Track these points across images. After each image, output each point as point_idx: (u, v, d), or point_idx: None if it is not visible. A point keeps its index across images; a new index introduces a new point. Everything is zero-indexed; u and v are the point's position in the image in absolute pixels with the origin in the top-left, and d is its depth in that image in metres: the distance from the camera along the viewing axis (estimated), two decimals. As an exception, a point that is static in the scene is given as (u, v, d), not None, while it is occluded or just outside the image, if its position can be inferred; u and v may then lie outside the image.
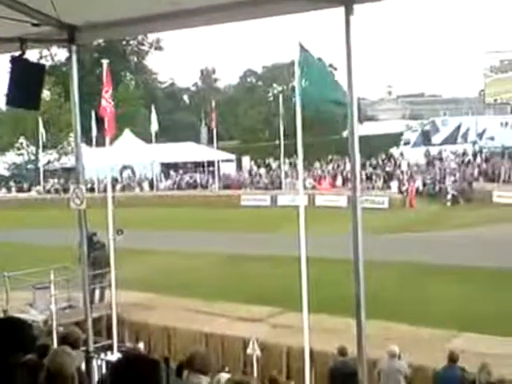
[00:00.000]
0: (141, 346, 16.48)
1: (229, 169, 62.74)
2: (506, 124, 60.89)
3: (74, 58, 8.94)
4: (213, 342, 16.58)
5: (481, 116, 67.02)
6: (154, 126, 58.19)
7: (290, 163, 58.22)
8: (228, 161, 63.53)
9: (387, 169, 56.50)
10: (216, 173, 58.57)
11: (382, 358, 12.56)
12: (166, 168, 62.44)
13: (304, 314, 12.81)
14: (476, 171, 52.90)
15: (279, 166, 58.15)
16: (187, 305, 20.16)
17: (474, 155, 57.48)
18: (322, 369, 13.86)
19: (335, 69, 77.61)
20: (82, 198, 9.51)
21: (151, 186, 60.41)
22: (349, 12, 6.59)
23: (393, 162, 58.83)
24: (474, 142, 59.89)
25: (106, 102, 17.14)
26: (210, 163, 60.05)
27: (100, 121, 26.49)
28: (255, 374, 14.26)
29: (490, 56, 62.15)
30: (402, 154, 60.28)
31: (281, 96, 60.85)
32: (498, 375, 11.83)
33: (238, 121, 79.80)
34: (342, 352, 12.47)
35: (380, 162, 58.63)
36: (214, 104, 60.35)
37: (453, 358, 11.86)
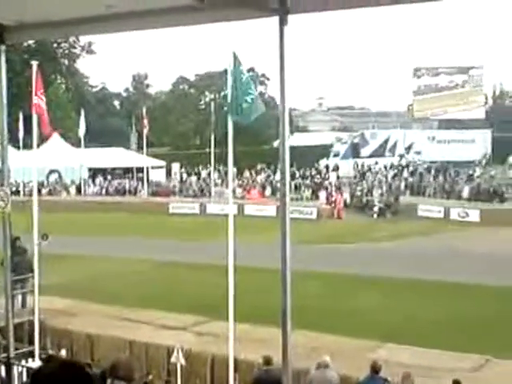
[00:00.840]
0: (63, 352, 16.19)
1: (158, 176, 62.30)
2: (433, 138, 62.17)
3: (3, 58, 8.75)
4: (137, 350, 16.40)
5: (409, 130, 68.32)
6: (83, 131, 57.45)
7: (220, 172, 58.23)
8: (158, 167, 63.11)
9: (316, 180, 57.03)
10: (145, 179, 58.11)
11: (311, 368, 12.62)
12: (94, 173, 61.60)
13: (230, 323, 12.79)
14: (403, 185, 53.86)
15: (209, 175, 58.08)
16: (112, 312, 19.90)
17: (402, 169, 58.53)
18: (246, 378, 13.86)
19: (268, 79, 78.14)
20: (7, 201, 9.29)
21: (78, 190, 59.46)
22: (283, 22, 6.60)
23: (322, 173, 59.42)
24: (402, 156, 60.97)
25: (40, 100, 16.88)
26: (140, 169, 59.55)
27: (28, 123, 26.03)
28: (179, 382, 14.15)
29: (419, 73, 63.42)
30: (330, 166, 60.92)
31: (213, 104, 60.87)
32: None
33: (169, 128, 79.40)
34: (267, 361, 12.47)
35: (309, 173, 59.15)
36: (145, 110, 59.95)
37: (375, 368, 11.99)
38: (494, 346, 15.79)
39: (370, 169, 59.30)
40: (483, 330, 19.52)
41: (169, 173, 64.21)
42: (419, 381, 12.07)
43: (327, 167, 60.75)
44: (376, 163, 60.05)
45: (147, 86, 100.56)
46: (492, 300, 23.24)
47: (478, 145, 60.12)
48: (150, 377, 13.97)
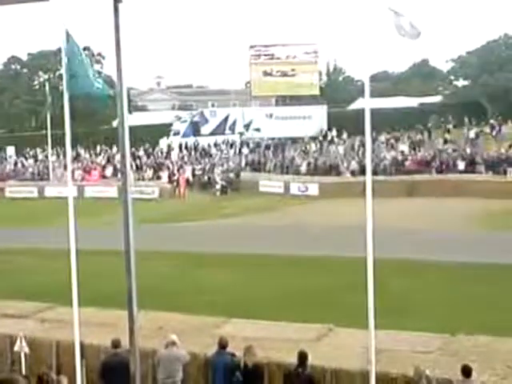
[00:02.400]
0: None
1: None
2: (271, 115, 63.26)
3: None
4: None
5: (247, 108, 69.18)
6: None
7: (58, 154, 56.73)
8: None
9: (157, 159, 56.80)
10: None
11: (160, 348, 12.61)
12: None
13: (74, 308, 12.53)
14: (243, 161, 54.63)
15: (47, 157, 56.44)
16: None
17: (241, 146, 59.30)
18: (94, 362, 13.66)
19: (103, 57, 76.53)
20: None
21: None
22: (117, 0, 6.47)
23: (163, 152, 59.24)
24: (242, 133, 61.72)
25: None
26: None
27: None
28: (23, 371, 13.75)
29: (256, 50, 64.20)
30: (171, 145, 60.81)
31: (47, 84, 58.99)
32: (265, 357, 12.33)
33: (2, 109, 76.30)
34: (116, 344, 12.37)
35: (150, 153, 58.83)
36: (-25, 92, 57.43)
37: (222, 344, 12.17)
38: (335, 315, 16.37)
39: (210, 147, 59.69)
40: (325, 300, 20.22)
41: (3, 156, 61.88)
42: (263, 352, 12.35)
43: (169, 145, 60.63)
44: (214, 141, 60.51)
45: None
46: (334, 270, 24.07)
47: (314, 121, 61.75)
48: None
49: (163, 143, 61.64)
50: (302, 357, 11.32)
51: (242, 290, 21.96)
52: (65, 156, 47.92)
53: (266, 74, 63.93)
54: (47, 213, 36.44)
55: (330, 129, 61.02)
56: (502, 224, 31.40)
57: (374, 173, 37.41)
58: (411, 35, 10.74)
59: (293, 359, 11.61)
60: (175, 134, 62.65)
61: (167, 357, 12.32)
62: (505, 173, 44.05)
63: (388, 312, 14.75)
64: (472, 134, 53.71)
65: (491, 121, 57.23)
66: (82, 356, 12.99)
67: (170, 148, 60.09)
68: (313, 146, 57.20)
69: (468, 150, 48.84)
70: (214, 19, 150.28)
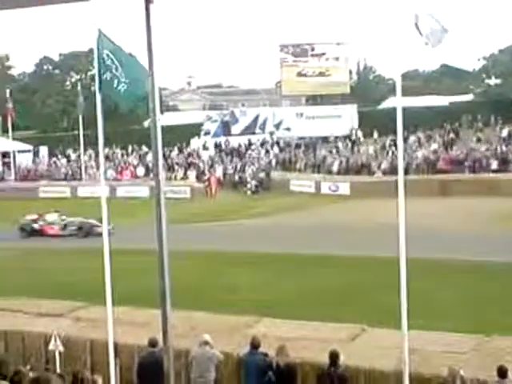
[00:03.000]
0: None
1: (25, 160, 60.49)
2: (302, 115, 63.12)
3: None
4: (13, 340, 15.94)
5: (277, 107, 69.12)
6: None
7: (91, 154, 57.16)
8: (25, 151, 61.22)
9: (189, 159, 57.00)
10: (12, 164, 56.30)
11: (193, 347, 12.67)
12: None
13: (108, 307, 12.63)
14: (274, 161, 54.64)
15: (79, 157, 56.89)
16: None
17: (272, 145, 59.29)
18: (128, 361, 13.76)
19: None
20: None
21: None
22: (148, 0, 6.51)
23: (194, 152, 59.43)
24: (272, 133, 61.68)
25: None
26: (6, 154, 57.65)
27: None
28: (58, 369, 13.87)
29: (286, 49, 64.14)
30: (203, 144, 60.98)
31: (79, 84, 59.48)
32: (298, 357, 12.33)
33: (34, 110, 76.95)
34: (153, 343, 12.45)
35: (181, 152, 59.07)
36: (8, 92, 57.97)
37: (254, 344, 12.18)
38: (368, 315, 16.32)
39: (240, 146, 59.75)
40: (358, 300, 20.18)
41: (36, 156, 62.46)
42: (295, 352, 12.35)
43: (201, 145, 60.83)
44: (245, 140, 60.57)
45: (9, 67, 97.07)
46: (365, 269, 23.99)
47: (344, 120, 61.51)
48: (28, 367, 13.63)
49: (194, 143, 61.81)
50: (334, 356, 11.30)
51: (273, 289, 21.99)
52: (97, 156, 48.38)
53: (296, 73, 63.84)
54: (79, 212, 36.67)
55: (360, 128, 60.77)
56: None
57: (406, 172, 37.39)
58: (433, 43, 10.66)
59: (326, 359, 11.59)
60: (206, 134, 62.79)
61: (200, 356, 12.37)
62: (538, 171, 43.58)
63: (419, 312, 14.67)
64: (505, 133, 53.17)
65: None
66: (116, 355, 13.09)
67: (201, 148, 60.23)
68: (343, 146, 57.02)
69: (501, 149, 48.36)
70: (243, 19, 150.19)
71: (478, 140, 52.19)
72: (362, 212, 36.57)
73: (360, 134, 59.71)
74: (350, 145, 57.05)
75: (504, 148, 48.57)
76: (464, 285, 21.54)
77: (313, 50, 63.86)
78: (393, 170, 40.90)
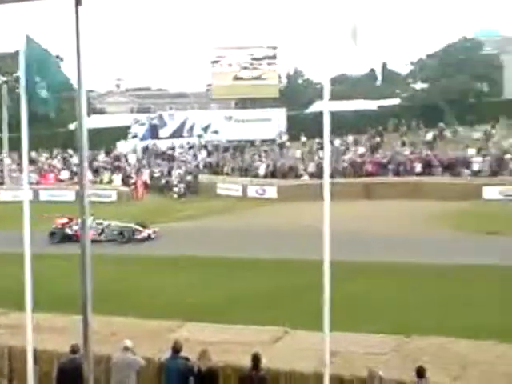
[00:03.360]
0: None
1: None
2: (230, 118, 63.18)
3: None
4: None
5: (206, 110, 69.01)
6: None
7: (13, 157, 55.95)
8: None
9: (115, 162, 56.41)
10: None
11: (114, 353, 12.49)
12: None
13: (28, 313, 12.35)
14: (202, 164, 54.53)
15: (1, 160, 55.63)
16: None
17: (200, 149, 59.15)
18: (47, 368, 13.50)
19: (62, 60, 75.75)
20: None
21: None
22: (78, 2, 6.43)
23: (121, 155, 58.83)
24: (200, 136, 61.55)
25: None
26: None
27: None
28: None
29: (216, 53, 64.15)
30: (129, 148, 60.43)
31: (5, 86, 58.30)
32: (220, 361, 12.28)
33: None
34: (74, 349, 12.22)
35: (108, 156, 58.41)
36: None
37: (176, 348, 12.07)
38: (292, 318, 16.38)
39: (168, 149, 59.41)
40: (282, 302, 20.25)
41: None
42: (218, 356, 12.30)
43: (127, 148, 60.25)
44: (172, 144, 60.28)
45: None
46: (292, 272, 24.10)
47: (273, 123, 61.78)
48: None
49: (121, 146, 61.20)
50: (256, 359, 11.30)
51: (199, 293, 21.89)
52: (20, 159, 47.40)
53: (225, 76, 63.93)
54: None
55: (289, 131, 61.12)
56: (457, 225, 31.74)
57: (333, 175, 37.75)
58: (361, 47, 10.78)
59: (248, 362, 11.58)
60: (133, 137, 62.26)
61: (120, 362, 12.21)
62: (460, 175, 44.62)
63: (343, 314, 14.82)
64: (429, 137, 54.27)
65: (448, 123, 57.86)
66: (35, 362, 12.81)
67: (128, 151, 59.66)
68: (271, 149, 57.29)
69: (425, 153, 49.32)
70: (173, 22, 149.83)
71: (403, 144, 53.08)
72: (288, 215, 36.78)
73: (288, 137, 60.06)
74: (277, 148, 57.36)
75: (428, 152, 49.54)
76: (388, 287, 21.83)
77: (242, 53, 64.05)
78: (319, 174, 41.15)
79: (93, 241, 30.54)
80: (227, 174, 51.84)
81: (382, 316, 18.32)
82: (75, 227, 32.43)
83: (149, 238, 32.27)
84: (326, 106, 11.29)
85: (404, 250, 26.88)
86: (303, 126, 57.06)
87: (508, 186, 39.97)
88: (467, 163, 45.74)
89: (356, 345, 13.06)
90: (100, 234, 32.54)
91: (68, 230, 33.18)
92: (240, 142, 59.82)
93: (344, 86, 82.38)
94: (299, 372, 12.05)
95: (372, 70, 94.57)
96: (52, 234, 33.50)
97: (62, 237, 33.13)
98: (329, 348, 11.15)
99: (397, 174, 46.55)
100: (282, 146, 58.05)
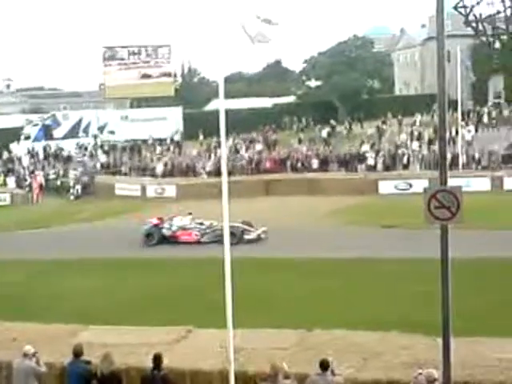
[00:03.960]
0: None
1: None
2: (126, 117, 62.56)
3: None
4: None
5: (102, 110, 68.06)
6: None
7: None
8: None
9: (8, 165, 54.95)
10: None
11: (15, 359, 12.17)
12: None
13: None
14: (98, 165, 53.76)
15: None
16: None
17: (96, 149, 58.30)
18: None
19: None
20: None
21: None
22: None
23: (14, 157, 57.33)
24: (96, 136, 60.69)
25: None
26: None
27: None
28: None
29: (109, 52, 63.34)
30: (23, 149, 58.90)
31: None
32: (123, 363, 12.16)
33: None
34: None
35: (0, 158, 56.88)
36: None
37: (76, 352, 11.80)
38: (196, 317, 16.38)
39: (63, 150, 58.26)
40: (187, 301, 20.19)
41: None
42: (121, 359, 12.17)
43: (20, 150, 58.72)
44: (67, 144, 59.18)
45: None
46: (193, 271, 24.06)
47: (169, 122, 61.53)
48: None
49: (14, 148, 59.58)
50: (156, 359, 11.24)
51: (101, 295, 21.56)
52: None
53: (120, 75, 63.24)
54: None
55: (186, 130, 61.01)
56: (353, 220, 32.38)
57: (231, 173, 37.96)
58: (258, 44, 10.87)
59: (151, 363, 11.50)
60: (26, 138, 60.71)
61: (21, 368, 11.90)
62: (356, 170, 45.60)
63: (247, 310, 14.92)
64: (324, 133, 55.22)
65: (342, 120, 59.05)
66: None
67: (21, 153, 58.16)
68: (169, 148, 57.06)
69: (321, 149, 50.15)
70: (65, 20, 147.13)
71: (300, 141, 53.83)
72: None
73: (185, 136, 59.95)
74: (175, 147, 57.17)
75: (324, 148, 50.40)
76: (288, 281, 22.06)
77: (137, 52, 63.50)
78: (218, 172, 41.31)
79: (195, 242, 27.16)
80: (125, 174, 51.29)
81: (284, 311, 18.52)
82: (174, 228, 30.72)
83: (259, 238, 29.80)
84: (221, 105, 11.33)
85: (302, 245, 27.27)
86: (201, 125, 57.11)
87: (402, 180, 41.08)
88: (362, 159, 46.79)
89: (260, 340, 13.16)
90: (203, 235, 30.35)
91: (165, 231, 30.78)
92: (137, 141, 59.31)
93: (240, 84, 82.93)
94: (203, 370, 12.06)
95: (267, 68, 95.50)
96: (148, 234, 30.84)
97: (159, 238, 30.64)
98: (233, 345, 11.21)
99: (294, 170, 47.16)
100: (179, 144, 57.89)
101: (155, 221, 31.06)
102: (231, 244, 30.39)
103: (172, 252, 27.72)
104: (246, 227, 29.53)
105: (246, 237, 29.20)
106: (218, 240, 28.40)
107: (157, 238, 30.45)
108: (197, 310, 18.64)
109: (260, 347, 12.77)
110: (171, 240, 30.22)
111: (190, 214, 31.53)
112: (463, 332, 11.32)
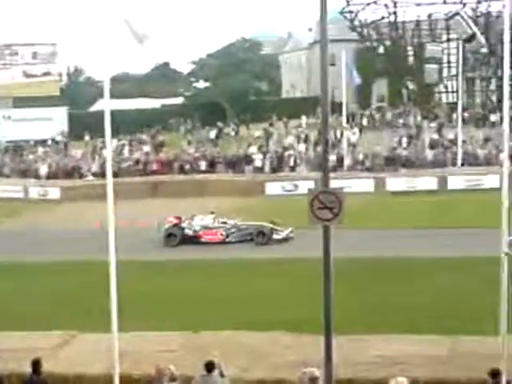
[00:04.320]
0: None
1: None
2: (9, 117, 60.84)
3: None
4: None
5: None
6: None
7: None
8: None
9: None
10: None
11: None
12: None
13: None
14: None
15: None
16: None
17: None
18: None
19: None
20: None
21: None
22: None
23: None
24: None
25: None
26: None
27: None
28: None
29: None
30: None
31: None
32: (4, 369, 11.85)
33: None
34: None
35: None
36: None
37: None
38: (81, 321, 16.10)
39: None
40: (71, 305, 19.79)
41: None
42: (3, 364, 11.88)
43: None
44: None
45: None
46: (79, 274, 23.63)
47: (54, 122, 60.18)
48: None
49: None
50: (35, 364, 11.00)
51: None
52: None
53: (2, 74, 61.51)
54: None
55: (71, 131, 59.83)
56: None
57: (117, 174, 37.45)
58: (142, 45, 10.78)
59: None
60: None
61: None
62: (243, 172, 45.90)
63: (133, 313, 14.76)
64: (213, 135, 55.27)
65: (230, 121, 59.31)
66: None
67: None
68: (53, 149, 55.78)
69: (209, 151, 50.18)
70: None
71: (189, 142, 53.68)
72: (69, 216, 36.22)
73: (71, 136, 58.77)
74: (59, 148, 55.93)
75: (211, 150, 50.48)
76: (175, 284, 22.02)
77: (21, 50, 61.99)
78: (103, 173, 40.61)
79: (220, 242, 27.37)
80: (7, 175, 49.83)
81: (170, 313, 18.43)
82: (197, 227, 29.53)
83: (288, 238, 28.89)
84: (106, 105, 11.17)
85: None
86: (86, 125, 56.06)
87: (288, 182, 41.66)
88: (249, 160, 47.11)
89: (145, 343, 13.09)
90: (228, 235, 29.45)
91: (188, 231, 29.60)
92: (20, 142, 57.69)
93: (127, 85, 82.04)
94: (88, 375, 11.90)
95: (155, 69, 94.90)
96: (169, 234, 29.58)
97: (181, 238, 29.46)
98: (118, 348, 11.07)
99: (182, 172, 47.01)
100: (64, 145, 56.68)
101: (173, 220, 29.92)
102: (260, 244, 29.51)
103: (50, 256, 27.00)
104: (274, 227, 29.09)
105: (275, 236, 28.82)
106: (245, 240, 29.00)
107: (179, 238, 29.48)
108: (82, 314, 18.29)
109: (147, 350, 12.69)
110: (194, 240, 29.37)
111: (213, 213, 30.60)
112: (346, 330, 11.57)
